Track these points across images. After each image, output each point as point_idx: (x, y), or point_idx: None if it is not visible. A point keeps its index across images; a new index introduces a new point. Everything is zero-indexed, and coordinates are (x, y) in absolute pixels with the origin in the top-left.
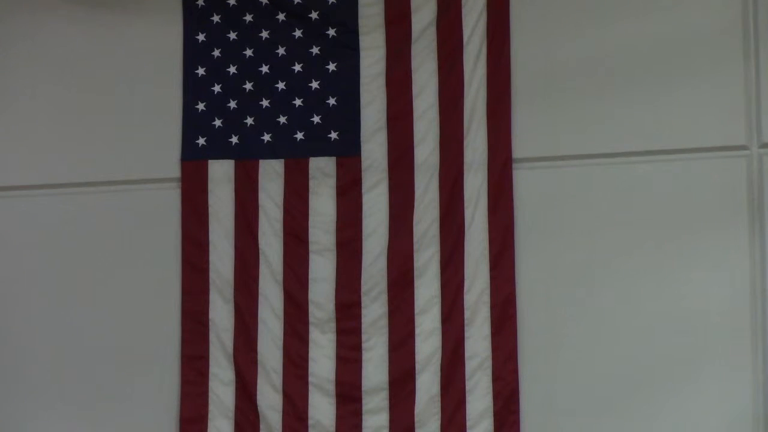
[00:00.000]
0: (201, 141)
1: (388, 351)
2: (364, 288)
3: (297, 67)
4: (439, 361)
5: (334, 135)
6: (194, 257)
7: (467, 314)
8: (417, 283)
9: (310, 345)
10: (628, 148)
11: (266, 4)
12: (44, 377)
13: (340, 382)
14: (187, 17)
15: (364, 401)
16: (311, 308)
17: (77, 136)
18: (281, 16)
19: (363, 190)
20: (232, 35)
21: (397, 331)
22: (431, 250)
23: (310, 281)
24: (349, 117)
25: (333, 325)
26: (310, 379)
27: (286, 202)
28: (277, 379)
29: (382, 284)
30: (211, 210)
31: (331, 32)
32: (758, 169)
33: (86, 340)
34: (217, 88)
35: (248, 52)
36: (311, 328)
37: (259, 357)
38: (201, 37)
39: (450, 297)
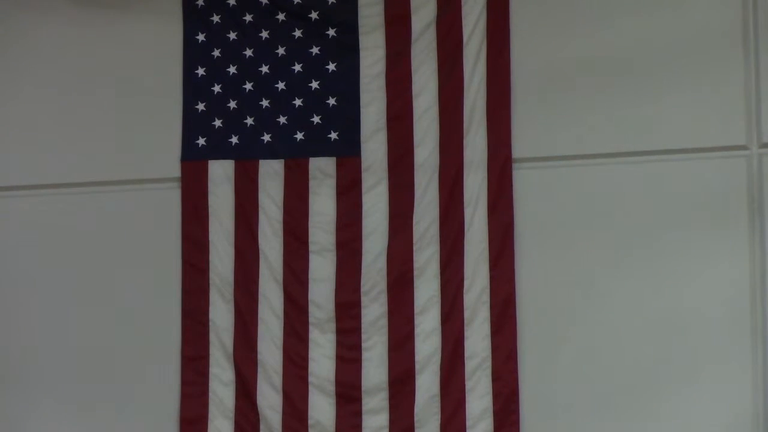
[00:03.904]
0: (201, 141)
1: (388, 351)
2: (363, 288)
3: (297, 67)
4: (439, 361)
5: (334, 135)
6: (194, 257)
7: (467, 314)
8: (416, 283)
9: (310, 345)
10: (628, 148)
11: (266, 4)
12: (44, 377)
13: (340, 382)
14: (187, 17)
15: (364, 401)
16: (311, 308)
17: (77, 136)
18: (281, 16)
19: (363, 190)
20: (232, 35)
21: (397, 331)
22: (431, 250)
23: (310, 281)
24: (349, 117)
25: (333, 325)
26: (310, 379)
27: (286, 202)
28: (277, 379)
29: (381, 284)
30: (211, 210)
31: (331, 32)
32: (758, 169)
33: (86, 340)
34: (217, 88)
35: (248, 52)
36: (311, 328)
37: (259, 357)
38: (201, 37)
39: (449, 297)
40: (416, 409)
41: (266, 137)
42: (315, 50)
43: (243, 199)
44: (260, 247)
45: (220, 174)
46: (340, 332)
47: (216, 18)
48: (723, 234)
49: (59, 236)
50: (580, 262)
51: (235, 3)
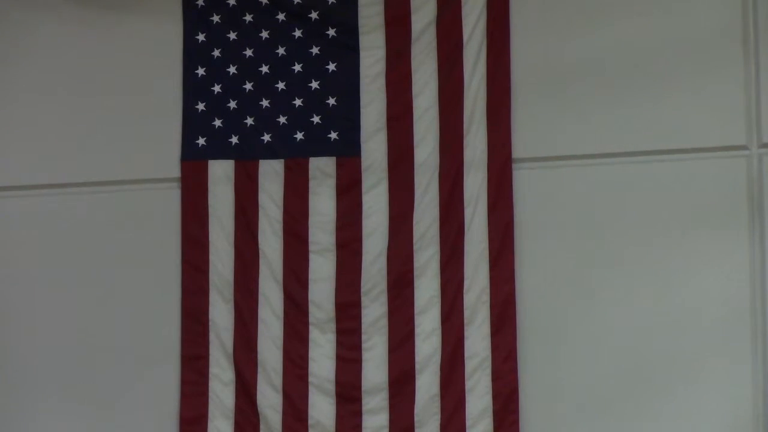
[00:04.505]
0: (201, 141)
1: (388, 351)
2: (364, 288)
3: (297, 67)
4: (439, 361)
5: (334, 135)
6: (194, 257)
7: (467, 314)
8: (417, 283)
9: (310, 345)
10: (628, 148)
11: (266, 4)
12: (44, 377)
13: (340, 382)
14: (187, 17)
15: (364, 401)
16: (311, 308)
17: (77, 136)
18: (281, 16)
19: (363, 190)
20: (232, 35)
21: (397, 331)
22: (431, 250)
23: (310, 281)
24: (349, 117)
25: (333, 325)
26: (310, 379)
27: (286, 202)
28: (277, 379)
29: (381, 284)
30: (211, 210)
31: (331, 32)
32: (758, 169)
33: (86, 340)
34: (217, 88)
35: (248, 52)
36: (311, 328)
37: (259, 357)
38: (201, 37)
39: (450, 297)
40: (416, 409)
41: (266, 137)
42: (315, 50)
43: (243, 199)
44: (260, 247)
45: (220, 174)
46: (340, 332)
47: (216, 18)
48: (723, 234)
49: (59, 236)
50: (580, 262)
51: (235, 3)
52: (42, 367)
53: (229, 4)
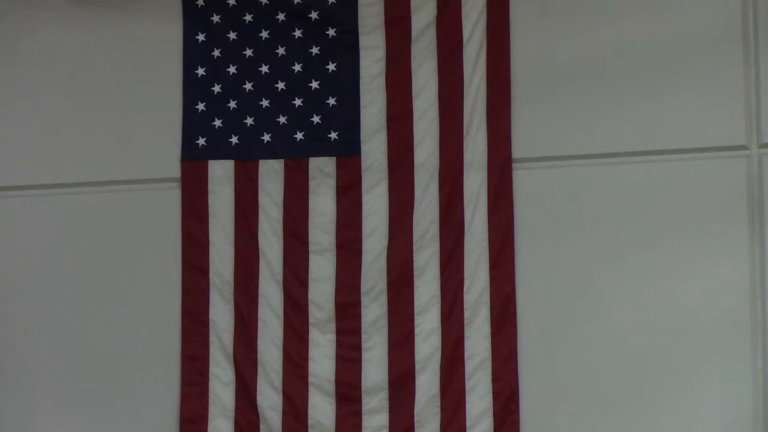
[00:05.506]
0: (201, 141)
1: (388, 351)
2: (363, 288)
3: (297, 67)
4: (439, 361)
5: (334, 135)
6: (194, 257)
7: (467, 314)
8: (416, 283)
9: (310, 345)
10: (628, 148)
11: (266, 4)
12: (44, 377)
13: (340, 382)
14: (187, 17)
15: (363, 401)
16: (311, 308)
17: (77, 136)
18: (281, 16)
19: (363, 190)
20: (232, 35)
21: (397, 331)
22: (431, 250)
23: (310, 281)
24: (349, 117)
25: (333, 325)
26: (310, 379)
27: (286, 202)
28: (277, 379)
29: (381, 284)
30: (211, 210)
31: (331, 32)
32: (758, 169)
33: (86, 340)
34: (217, 88)
35: (248, 52)
36: (311, 328)
37: (259, 357)
38: (201, 37)
39: (450, 297)
40: (416, 409)
41: (266, 137)
42: (315, 50)
43: (243, 199)
44: (260, 247)
45: (220, 174)
46: (340, 332)
47: (216, 18)
48: (723, 234)
49: (59, 236)
50: (580, 261)
51: (235, 3)
52: (42, 367)
53: (229, 4)
